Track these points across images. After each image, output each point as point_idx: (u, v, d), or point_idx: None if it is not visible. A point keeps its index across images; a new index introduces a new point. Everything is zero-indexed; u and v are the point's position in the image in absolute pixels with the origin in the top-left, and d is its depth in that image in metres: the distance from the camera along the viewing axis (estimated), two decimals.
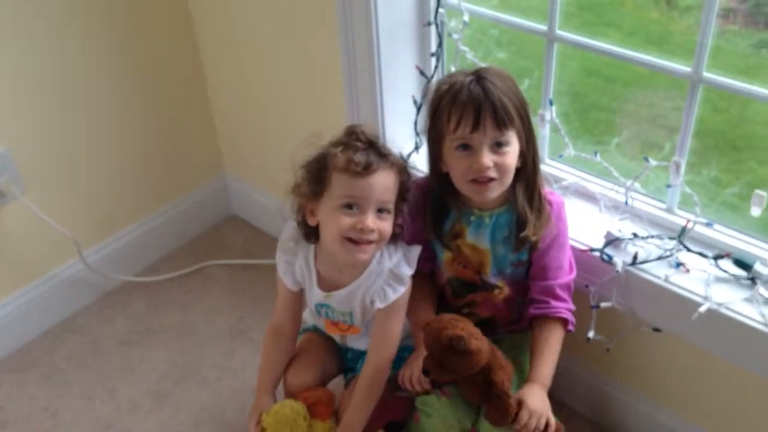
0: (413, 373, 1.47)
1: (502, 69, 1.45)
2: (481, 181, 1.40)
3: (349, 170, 1.39)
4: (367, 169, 1.39)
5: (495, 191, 1.43)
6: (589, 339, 1.61)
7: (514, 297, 1.57)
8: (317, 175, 1.43)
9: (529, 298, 1.54)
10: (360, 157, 1.39)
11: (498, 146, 1.39)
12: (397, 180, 1.44)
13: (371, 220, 1.40)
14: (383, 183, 1.41)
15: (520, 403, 1.39)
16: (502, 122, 1.37)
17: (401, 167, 1.46)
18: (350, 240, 1.41)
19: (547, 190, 1.52)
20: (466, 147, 1.40)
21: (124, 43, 2.05)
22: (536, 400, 1.41)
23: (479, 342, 1.35)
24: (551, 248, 1.50)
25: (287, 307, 1.60)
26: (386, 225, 1.43)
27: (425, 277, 1.59)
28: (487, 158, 1.38)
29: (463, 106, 1.38)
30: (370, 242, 1.42)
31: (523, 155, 1.43)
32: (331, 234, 1.43)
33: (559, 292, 1.51)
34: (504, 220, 1.49)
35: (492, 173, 1.39)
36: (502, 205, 1.48)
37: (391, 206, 1.44)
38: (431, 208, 1.52)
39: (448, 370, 1.37)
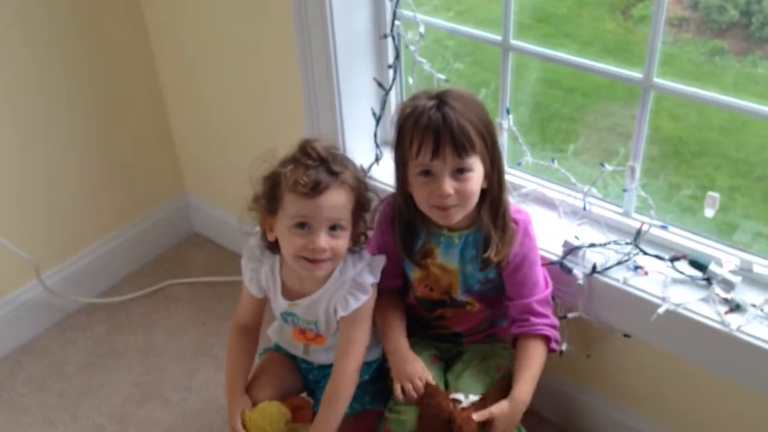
0: (413, 381, 1.46)
1: (467, 91, 1.43)
2: (443, 207, 1.40)
3: (298, 191, 1.38)
4: (314, 190, 1.38)
5: (457, 216, 1.42)
6: (562, 352, 1.59)
7: (485, 311, 1.57)
8: (271, 193, 1.43)
9: (510, 318, 1.53)
10: (308, 178, 1.38)
11: (460, 172, 1.38)
12: (351, 196, 1.43)
13: (323, 240, 1.40)
14: (333, 202, 1.40)
15: None
16: (462, 149, 1.36)
17: (355, 183, 1.44)
18: (305, 258, 1.41)
19: (514, 207, 1.51)
20: (428, 173, 1.39)
21: (82, 61, 2.03)
22: (503, 422, 1.42)
23: None
24: (522, 266, 1.49)
25: (250, 309, 1.60)
26: (340, 242, 1.42)
27: (395, 294, 1.58)
28: (448, 186, 1.37)
29: (423, 133, 1.37)
30: (324, 260, 1.42)
31: (488, 176, 1.43)
32: (287, 252, 1.44)
33: (538, 308, 1.50)
34: (472, 240, 1.49)
35: (452, 201, 1.38)
36: (471, 225, 1.48)
37: (345, 222, 1.43)
38: (401, 228, 1.51)
39: None
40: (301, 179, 1.38)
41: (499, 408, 1.43)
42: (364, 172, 1.81)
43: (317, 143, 1.43)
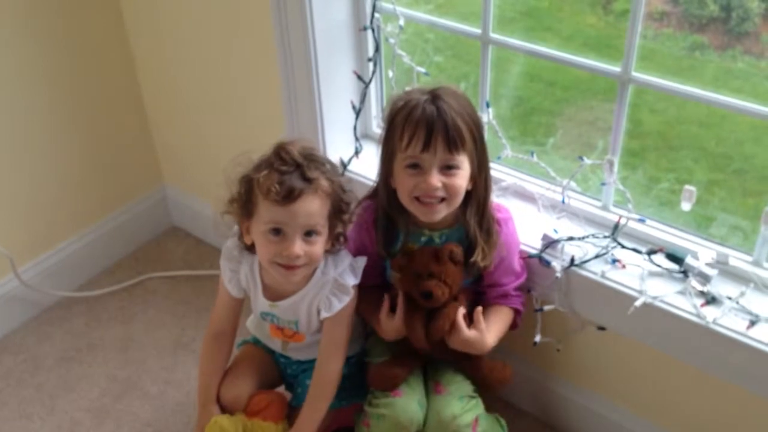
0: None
1: (459, 89, 1.44)
2: (426, 202, 1.39)
3: (271, 198, 1.36)
4: (288, 197, 1.36)
5: (441, 213, 1.41)
6: (536, 343, 1.63)
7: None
8: (245, 197, 1.42)
9: (485, 299, 1.55)
10: (281, 185, 1.35)
11: (448, 169, 1.38)
12: (326, 201, 1.41)
13: (297, 246, 1.38)
14: (307, 208, 1.38)
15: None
16: (453, 144, 1.36)
17: (330, 188, 1.41)
18: (280, 264, 1.40)
19: (495, 205, 1.52)
20: (416, 166, 1.39)
21: (60, 55, 2.01)
22: (472, 343, 1.45)
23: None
24: (503, 263, 1.52)
25: (229, 312, 1.59)
26: (315, 248, 1.41)
27: (377, 286, 1.58)
28: (436, 179, 1.37)
29: (416, 125, 1.36)
30: (299, 266, 1.41)
31: (474, 178, 1.42)
32: (262, 257, 1.43)
33: (513, 293, 1.55)
34: (454, 238, 1.49)
35: (440, 193, 1.38)
36: (453, 224, 1.48)
37: (320, 227, 1.41)
38: (382, 228, 1.51)
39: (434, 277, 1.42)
40: (273, 186, 1.35)
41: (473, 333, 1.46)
42: (344, 166, 1.81)
43: (292, 147, 1.41)
